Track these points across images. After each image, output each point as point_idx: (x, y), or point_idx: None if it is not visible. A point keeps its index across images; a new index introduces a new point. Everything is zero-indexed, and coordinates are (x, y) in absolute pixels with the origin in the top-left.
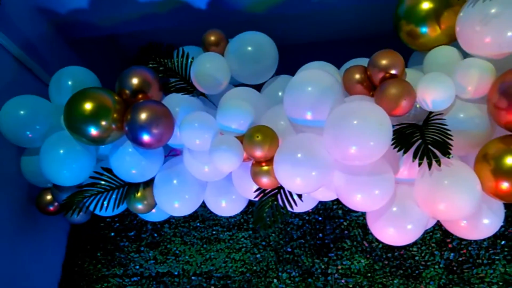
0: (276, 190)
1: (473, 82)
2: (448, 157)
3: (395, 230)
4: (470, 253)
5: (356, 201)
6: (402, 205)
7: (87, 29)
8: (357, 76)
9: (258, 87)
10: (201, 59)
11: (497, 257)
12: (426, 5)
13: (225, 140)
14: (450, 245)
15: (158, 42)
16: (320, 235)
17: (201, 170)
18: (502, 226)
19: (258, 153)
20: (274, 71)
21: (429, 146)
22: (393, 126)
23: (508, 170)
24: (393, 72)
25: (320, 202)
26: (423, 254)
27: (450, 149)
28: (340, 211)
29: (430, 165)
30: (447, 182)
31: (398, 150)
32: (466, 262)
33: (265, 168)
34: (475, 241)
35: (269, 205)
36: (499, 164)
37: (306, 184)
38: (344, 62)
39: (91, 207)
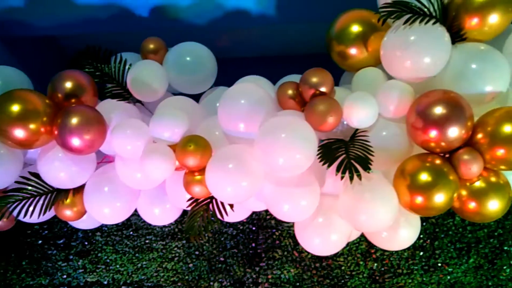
0: (208, 200)
1: (394, 102)
2: (368, 172)
3: (320, 241)
4: (391, 263)
5: (283, 211)
6: (327, 217)
7: (22, 28)
8: (290, 92)
9: (198, 97)
10: (138, 66)
11: (415, 267)
12: (355, 28)
13: (157, 148)
14: (374, 256)
15: (96, 46)
16: (253, 244)
17: (133, 178)
18: (420, 238)
19: (191, 162)
20: (213, 82)
21: (352, 161)
22: (322, 140)
23: (422, 186)
24: (322, 89)
25: (254, 212)
26: (349, 264)
27: (371, 164)
28: (273, 221)
29: (351, 179)
30: (368, 196)
31: (323, 164)
32: (388, 271)
33: (198, 177)
34: (397, 252)
35: (200, 215)
36: (414, 180)
37: (236, 194)
38: (282, 77)
39: (15, 213)
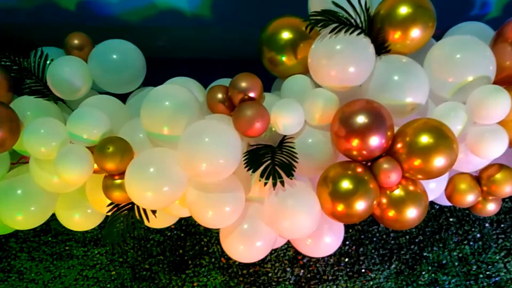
0: (130, 205)
1: (319, 110)
2: (291, 178)
3: (244, 247)
4: (318, 270)
5: (207, 217)
6: (252, 223)
7: None
8: (219, 95)
9: (126, 97)
10: (59, 62)
11: (340, 273)
12: (285, 35)
13: (73, 149)
14: (301, 262)
15: (15, 38)
16: (180, 251)
17: (49, 181)
18: (346, 245)
19: (109, 165)
20: (141, 82)
21: (276, 167)
22: (252, 146)
23: (343, 193)
24: (251, 95)
25: (183, 218)
26: (276, 271)
27: (294, 171)
28: (201, 227)
29: (274, 185)
30: (290, 202)
31: (248, 169)
32: (314, 278)
33: (118, 181)
34: (323, 258)
35: (120, 221)
36: (336, 187)
37: (157, 200)
38: (216, 80)
39: None
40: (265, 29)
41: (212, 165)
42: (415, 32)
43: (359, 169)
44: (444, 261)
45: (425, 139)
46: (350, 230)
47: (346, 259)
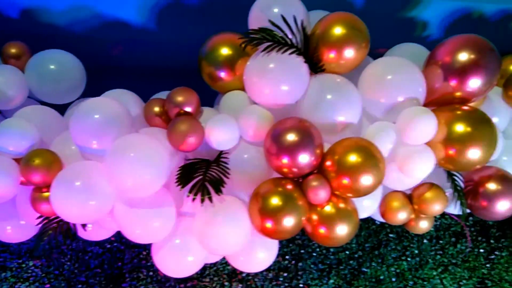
0: (59, 218)
1: (253, 127)
2: (219, 194)
3: (175, 262)
4: (256, 284)
5: (135, 233)
6: (184, 238)
7: None
8: (156, 109)
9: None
10: None
11: None
12: (225, 51)
13: None
14: (240, 276)
15: None
16: (119, 264)
17: None
18: (286, 259)
19: (35, 178)
20: (81, 93)
21: (206, 183)
22: (188, 160)
23: (272, 210)
24: (187, 109)
25: None
26: (214, 285)
27: (223, 187)
28: None
29: (202, 201)
30: (219, 219)
31: (177, 185)
32: None
33: (45, 194)
34: (262, 272)
35: (49, 233)
36: (265, 204)
37: (82, 214)
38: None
39: None
40: (204, 44)
41: (138, 181)
42: (349, 53)
43: (289, 186)
44: (381, 277)
45: (353, 158)
46: (291, 245)
47: (285, 274)
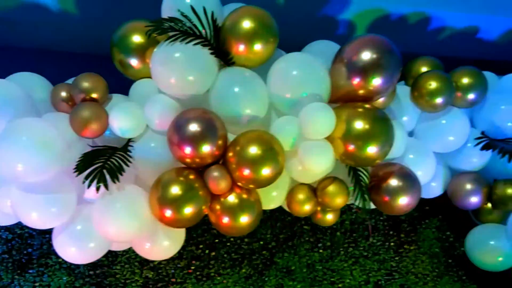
0: None
1: (157, 116)
2: (115, 182)
3: (76, 249)
4: (167, 272)
5: (31, 218)
6: (86, 224)
7: None
8: (63, 94)
9: None
10: None
11: (189, 277)
12: (136, 38)
13: None
14: (151, 264)
15: None
16: (29, 250)
17: None
18: (199, 248)
19: None
20: None
21: (104, 171)
22: (93, 147)
23: (171, 199)
24: (93, 95)
25: None
26: (124, 273)
27: (121, 175)
28: None
29: (98, 188)
30: (116, 206)
31: (74, 171)
32: (162, 280)
33: None
34: (173, 261)
35: None
36: (165, 193)
37: None
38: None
39: None
40: (116, 31)
41: (27, 165)
42: (257, 46)
43: (191, 176)
44: (293, 267)
45: (253, 150)
46: (206, 234)
47: (197, 262)
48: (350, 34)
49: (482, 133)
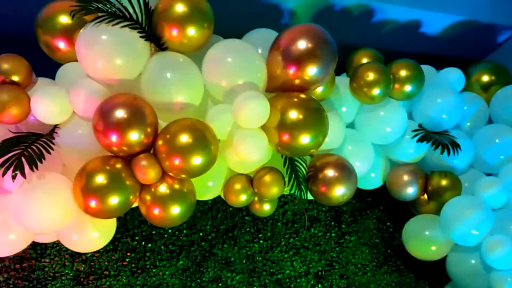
0: None
1: (82, 101)
2: (33, 170)
3: None
4: (100, 265)
5: None
6: (4, 215)
7: None
8: None
9: None
10: None
11: (124, 269)
12: (63, 19)
13: None
14: (83, 257)
15: None
16: None
17: None
18: (135, 240)
19: None
20: None
21: (22, 158)
22: (15, 133)
23: (96, 188)
24: (14, 78)
25: None
26: (54, 266)
27: (41, 162)
28: None
29: (14, 177)
30: (35, 195)
31: None
32: (94, 273)
33: None
34: (107, 253)
35: None
36: (89, 182)
37: None
38: None
39: None
40: (41, 10)
41: None
42: (191, 31)
43: (118, 165)
44: (232, 258)
45: (184, 138)
46: (142, 226)
47: (133, 254)
48: (293, 24)
49: (419, 125)
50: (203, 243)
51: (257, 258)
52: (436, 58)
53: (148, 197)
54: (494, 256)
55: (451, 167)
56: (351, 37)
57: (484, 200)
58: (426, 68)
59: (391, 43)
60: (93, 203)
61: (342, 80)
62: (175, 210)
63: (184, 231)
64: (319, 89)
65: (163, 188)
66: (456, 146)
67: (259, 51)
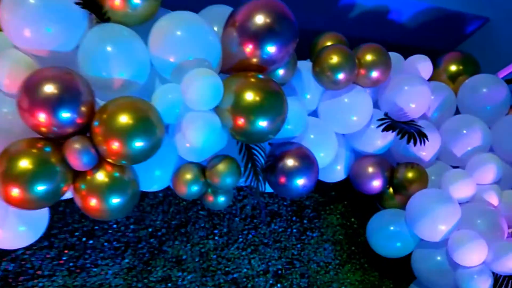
0: None
1: (6, 75)
2: None
3: None
4: (32, 264)
5: None
6: None
7: None
8: None
9: None
10: None
11: (60, 268)
12: None
13: None
14: (13, 255)
15: None
16: None
17: None
18: (75, 236)
19: None
20: None
21: None
22: None
23: (19, 174)
24: None
25: None
26: None
27: None
28: None
29: None
30: None
31: None
32: (25, 273)
33: None
34: (41, 250)
35: None
36: (11, 167)
37: None
38: None
39: None
40: None
41: None
42: (137, 1)
43: (47, 148)
44: (184, 256)
45: (124, 119)
46: (83, 220)
47: (71, 252)
48: None
49: (385, 114)
50: (151, 240)
51: (212, 256)
52: (405, 48)
53: (83, 186)
54: (461, 252)
55: (418, 159)
56: (316, 21)
57: (451, 194)
58: (393, 55)
59: (358, 30)
60: (15, 192)
61: (305, 65)
62: (115, 201)
63: (131, 227)
64: (280, 72)
65: (100, 176)
66: (423, 136)
67: (215, 29)
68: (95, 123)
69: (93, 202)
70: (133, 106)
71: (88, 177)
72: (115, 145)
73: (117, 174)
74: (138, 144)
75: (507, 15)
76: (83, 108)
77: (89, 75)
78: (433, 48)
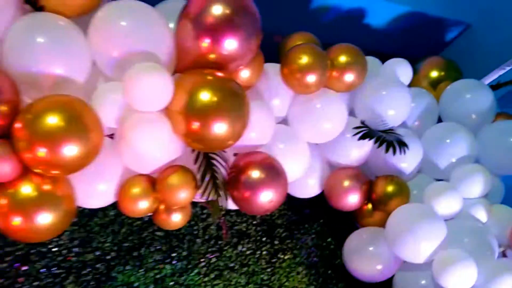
0: None
1: None
2: None
3: None
4: None
5: None
6: None
7: None
8: None
9: None
10: None
11: None
12: None
13: None
14: None
15: None
16: None
17: None
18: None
19: None
20: None
21: None
22: None
23: None
24: None
25: None
26: None
27: None
28: None
29: None
30: None
31: None
32: None
33: None
34: None
35: None
36: None
37: None
38: None
39: None
40: None
41: None
42: None
43: None
44: (136, 283)
45: (52, 120)
46: (18, 244)
47: (0, 280)
48: None
49: (362, 122)
50: (98, 265)
51: (168, 282)
52: (383, 55)
53: (4, 201)
54: (447, 275)
55: (398, 171)
56: (286, 25)
57: (435, 209)
58: (370, 59)
59: (332, 34)
60: None
61: (274, 67)
62: (44, 219)
63: (75, 249)
64: (244, 74)
65: (26, 189)
66: (403, 145)
67: (171, 26)
68: (18, 124)
69: (17, 220)
70: (64, 104)
71: (10, 190)
72: (41, 152)
73: (47, 187)
74: (70, 150)
75: (489, 21)
76: (3, 108)
77: (15, 69)
78: (412, 55)
